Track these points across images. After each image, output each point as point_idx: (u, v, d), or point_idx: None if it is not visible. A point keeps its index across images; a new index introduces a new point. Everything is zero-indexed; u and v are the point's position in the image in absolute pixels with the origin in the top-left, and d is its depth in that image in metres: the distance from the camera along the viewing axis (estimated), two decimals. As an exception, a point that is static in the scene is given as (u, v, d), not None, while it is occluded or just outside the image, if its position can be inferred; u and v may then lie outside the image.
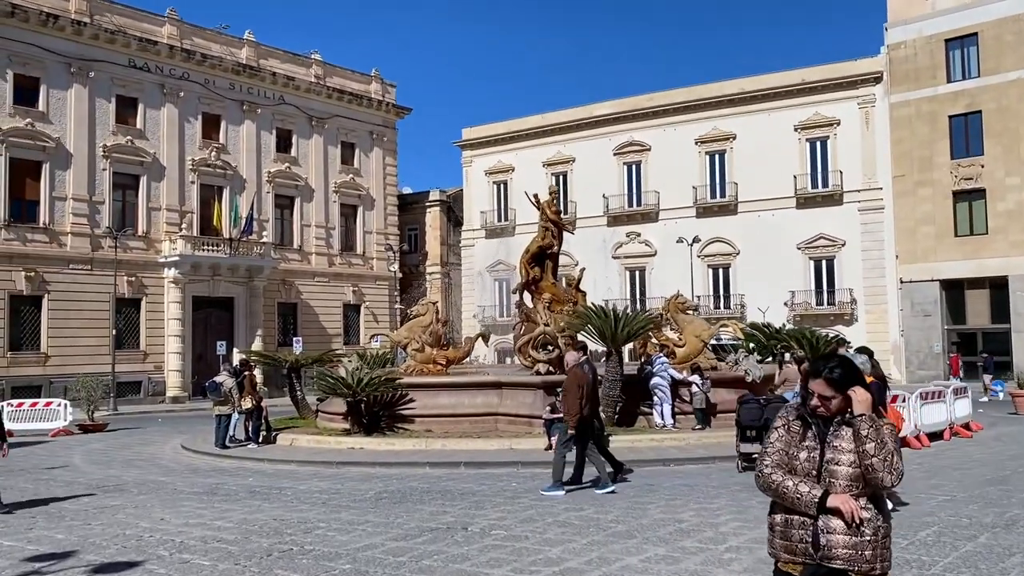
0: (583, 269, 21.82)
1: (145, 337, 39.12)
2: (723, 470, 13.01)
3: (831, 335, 18.72)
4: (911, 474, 12.22)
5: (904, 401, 15.39)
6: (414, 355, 21.06)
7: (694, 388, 16.80)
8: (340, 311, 47.82)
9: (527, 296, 21.67)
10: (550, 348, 18.00)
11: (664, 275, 45.51)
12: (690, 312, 20.95)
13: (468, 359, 23.41)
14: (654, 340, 19.73)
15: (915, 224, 41.41)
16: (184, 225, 40.23)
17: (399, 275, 50.97)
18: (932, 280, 40.90)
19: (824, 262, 43.69)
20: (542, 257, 21.48)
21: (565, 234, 22.47)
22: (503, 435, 16.13)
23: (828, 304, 43.17)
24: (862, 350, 16.41)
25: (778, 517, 3.67)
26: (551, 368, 17.73)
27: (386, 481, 12.64)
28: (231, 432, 17.97)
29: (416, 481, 12.66)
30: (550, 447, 14.82)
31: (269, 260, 42.58)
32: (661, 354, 17.08)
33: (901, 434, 15.57)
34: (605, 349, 16.62)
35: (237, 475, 14.07)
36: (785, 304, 43.09)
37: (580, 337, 16.80)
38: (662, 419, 16.65)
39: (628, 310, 16.81)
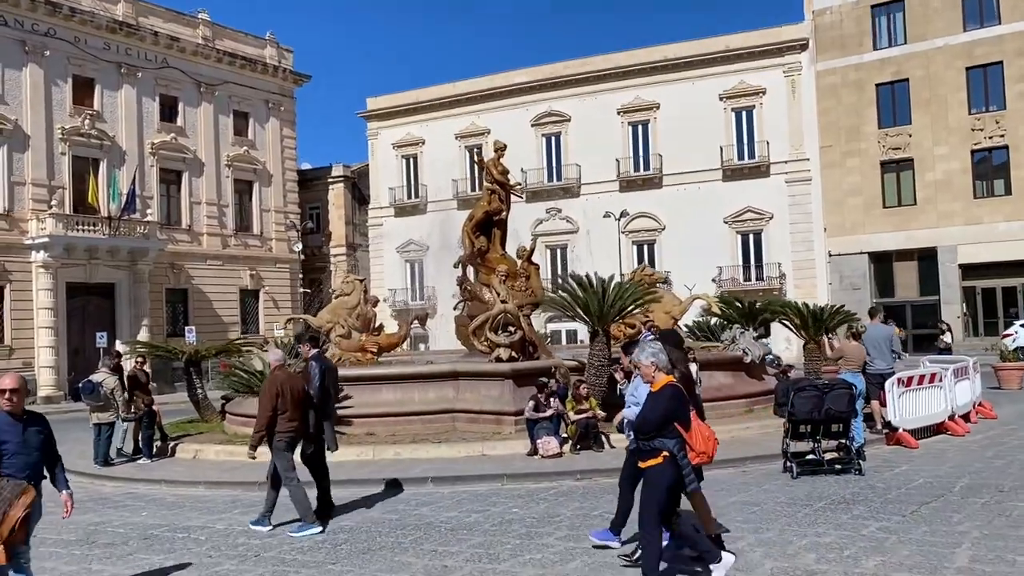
0: (536, 238, 18.96)
1: (10, 330, 34.05)
2: (767, 475, 10.33)
3: (834, 306, 16.46)
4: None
5: (941, 380, 13.10)
6: (339, 342, 17.71)
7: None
8: (236, 297, 43.37)
9: (471, 271, 18.60)
10: (511, 330, 14.99)
11: (587, 253, 43.04)
12: (659, 286, 18.32)
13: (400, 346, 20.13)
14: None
15: (843, 196, 40.29)
16: (54, 202, 35.15)
17: (301, 257, 46.86)
18: (861, 253, 39.90)
19: (751, 236, 42.16)
20: (488, 225, 18.45)
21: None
22: (467, 437, 13.02)
23: (756, 279, 41.72)
24: (873, 311, 14.15)
25: None
26: (514, 354, 14.74)
27: (336, 511, 9.37)
28: (119, 444, 14.28)
29: (377, 509, 9.45)
30: (535, 451, 11.88)
31: (155, 241, 37.87)
32: (650, 333, 14.31)
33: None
34: (589, 330, 13.76)
35: (125, 506, 10.54)
36: (713, 280, 41.33)
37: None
38: (655, 410, 13.89)
39: (619, 280, 14.05)
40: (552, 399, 12.35)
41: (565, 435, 12.21)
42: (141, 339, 33.00)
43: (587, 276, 13.98)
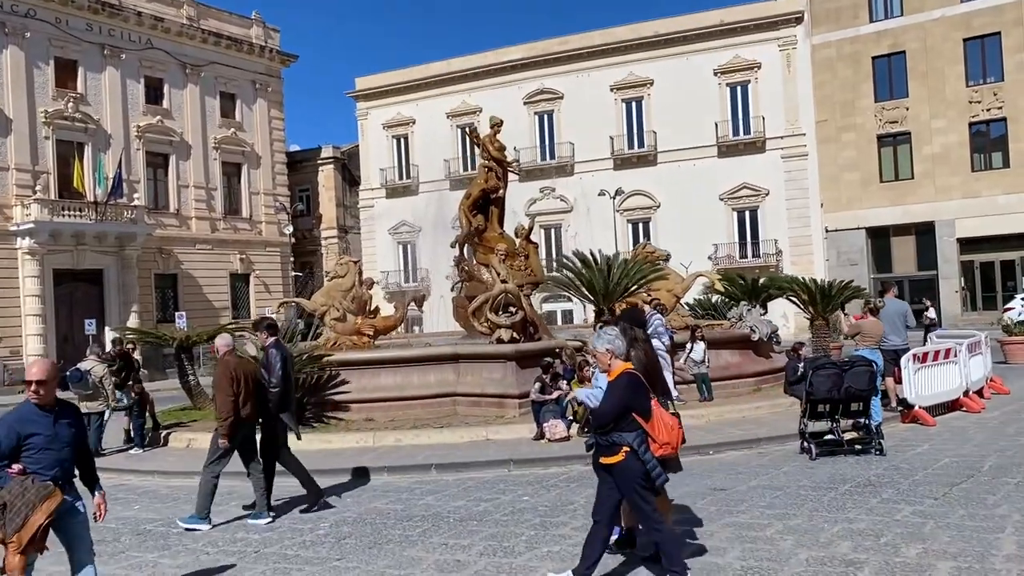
0: (534, 217, 18.49)
1: (-3, 318, 33.54)
2: (784, 456, 9.96)
3: (843, 281, 16.09)
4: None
5: (957, 355, 12.75)
6: (333, 325, 17.23)
7: (695, 353, 13.74)
8: (227, 281, 42.80)
9: (468, 251, 18.13)
10: (512, 310, 14.56)
11: (581, 232, 42.60)
12: (661, 264, 17.89)
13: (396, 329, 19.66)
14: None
15: (839, 171, 39.96)
16: (39, 187, 34.51)
17: (292, 240, 46.24)
18: (858, 228, 39.68)
19: (748, 213, 41.86)
20: (486, 203, 17.94)
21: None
22: (469, 421, 12.63)
23: (752, 256, 41.45)
24: (887, 286, 13.79)
25: None
26: (515, 335, 14.32)
27: (337, 501, 8.97)
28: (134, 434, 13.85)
29: (380, 499, 9.03)
30: (542, 435, 11.50)
31: (142, 226, 37.26)
32: (656, 312, 13.92)
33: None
34: (594, 309, 13.35)
35: (116, 500, 10.06)
36: (709, 258, 41.01)
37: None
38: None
39: (624, 257, 13.69)
40: (559, 380, 11.95)
41: (571, 418, 11.82)
42: (130, 325, 32.48)
43: (591, 253, 13.54)
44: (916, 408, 11.70)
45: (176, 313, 37.31)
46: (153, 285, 39.29)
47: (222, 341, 8.98)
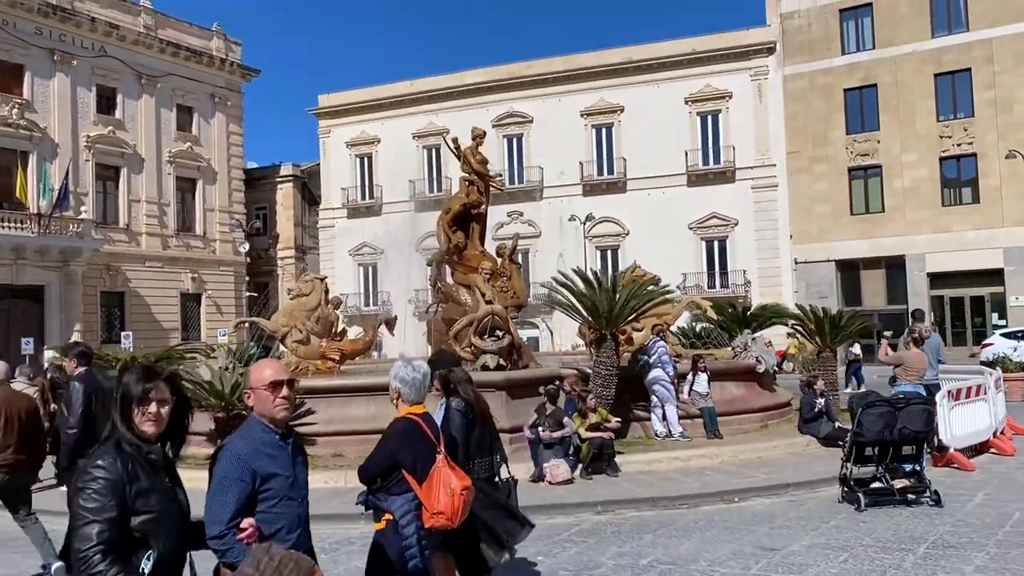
0: (517, 235, 17.25)
1: (-75, 335, 31.25)
2: (824, 506, 8.73)
3: (853, 310, 15.13)
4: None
5: (986, 392, 11.74)
6: (295, 348, 15.77)
7: (699, 385, 12.57)
8: (177, 301, 40.83)
9: (446, 270, 16.83)
10: (499, 334, 13.27)
11: (549, 258, 41.47)
12: (651, 288, 16.74)
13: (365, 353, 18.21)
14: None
15: (810, 202, 39.52)
16: (-23, 197, 32.52)
17: (247, 259, 44.40)
18: (828, 260, 39.19)
19: (716, 243, 41.23)
20: (466, 219, 16.67)
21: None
22: (454, 459, 11.26)
23: (721, 287, 40.74)
24: (919, 316, 12.79)
25: None
26: (502, 361, 13.02)
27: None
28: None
29: (361, 555, 7.55)
30: (541, 477, 10.14)
31: (89, 241, 35.25)
32: (659, 339, 12.73)
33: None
34: (594, 334, 12.09)
35: (19, 551, 8.52)
36: (677, 287, 39.88)
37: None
38: (665, 425, 12.26)
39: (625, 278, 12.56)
40: (566, 415, 10.55)
41: (574, 457, 10.46)
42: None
43: (592, 272, 12.35)
44: (951, 451, 10.64)
45: (122, 333, 35.29)
46: (99, 303, 37.24)
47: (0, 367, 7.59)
